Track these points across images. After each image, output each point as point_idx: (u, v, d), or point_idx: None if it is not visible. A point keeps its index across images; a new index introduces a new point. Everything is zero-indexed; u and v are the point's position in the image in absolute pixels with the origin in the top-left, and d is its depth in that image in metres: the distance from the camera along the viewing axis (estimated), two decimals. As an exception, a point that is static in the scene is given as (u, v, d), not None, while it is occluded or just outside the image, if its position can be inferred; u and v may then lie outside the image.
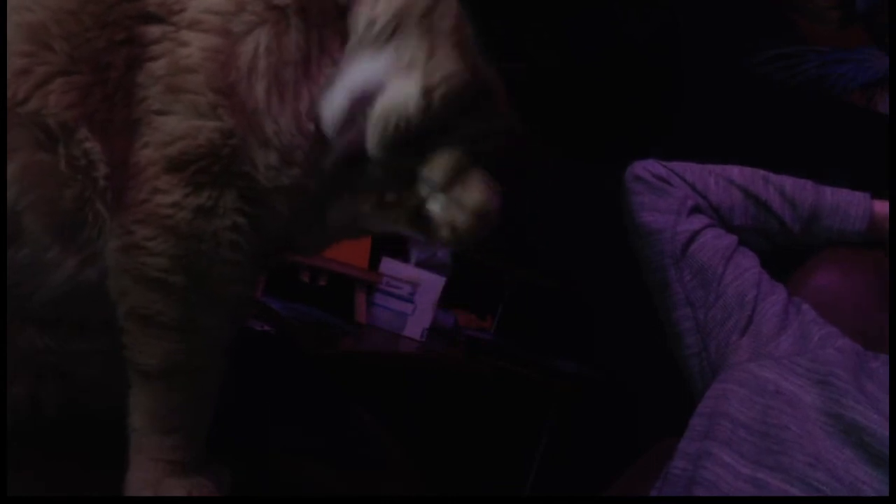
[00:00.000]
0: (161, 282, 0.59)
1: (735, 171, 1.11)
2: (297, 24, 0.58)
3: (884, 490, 0.82)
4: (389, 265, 1.61)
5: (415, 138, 0.59)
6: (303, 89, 0.59)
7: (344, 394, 1.01)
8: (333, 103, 0.59)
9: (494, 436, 1.73)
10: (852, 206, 1.08)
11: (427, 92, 0.58)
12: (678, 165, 1.12)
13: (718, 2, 1.75)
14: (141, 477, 0.62)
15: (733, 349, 1.01)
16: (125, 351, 0.62)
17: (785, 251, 1.14)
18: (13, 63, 0.55)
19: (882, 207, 1.09)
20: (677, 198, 1.10)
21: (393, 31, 0.59)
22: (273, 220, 0.62)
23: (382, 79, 0.59)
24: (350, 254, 1.54)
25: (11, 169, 0.57)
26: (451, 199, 0.61)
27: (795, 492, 0.84)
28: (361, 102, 0.58)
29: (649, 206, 1.11)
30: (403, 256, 1.64)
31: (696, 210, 1.09)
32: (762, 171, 1.12)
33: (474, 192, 0.61)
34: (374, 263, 1.60)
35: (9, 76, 0.55)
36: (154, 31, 0.57)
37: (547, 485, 1.83)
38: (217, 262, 0.60)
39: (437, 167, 0.61)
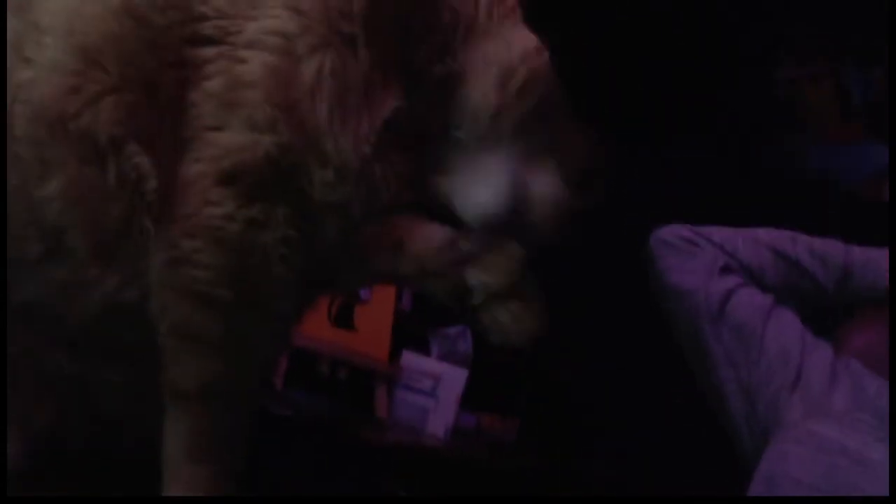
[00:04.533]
0: (206, 296, 0.58)
1: (761, 232, 1.12)
2: (364, 56, 0.60)
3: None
4: (410, 358, 1.57)
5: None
6: (363, 116, 0.60)
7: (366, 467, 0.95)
8: (489, 202, 0.65)
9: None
10: (882, 261, 1.07)
11: (564, 173, 0.66)
12: (704, 228, 1.13)
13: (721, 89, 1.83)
14: (176, 509, 0.57)
15: (785, 408, 0.97)
16: (162, 373, 0.59)
17: (820, 313, 1.12)
18: (64, 82, 0.57)
19: (912, 262, 1.08)
20: (707, 258, 1.09)
21: (521, 124, 0.64)
22: (322, 236, 0.61)
23: (523, 172, 0.65)
24: (370, 345, 1.52)
25: (55, 185, 0.57)
26: (509, 313, 0.64)
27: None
28: (515, 199, 0.65)
29: (678, 268, 1.10)
30: (424, 349, 1.61)
31: (726, 270, 1.08)
32: (788, 231, 1.12)
33: (530, 319, 0.64)
34: (394, 354, 1.56)
35: (59, 94, 0.57)
36: (208, 52, 0.59)
37: None
38: (265, 276, 0.59)
39: (498, 271, 0.63)
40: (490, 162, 0.65)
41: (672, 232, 1.15)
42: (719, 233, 1.14)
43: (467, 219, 0.65)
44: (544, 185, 0.66)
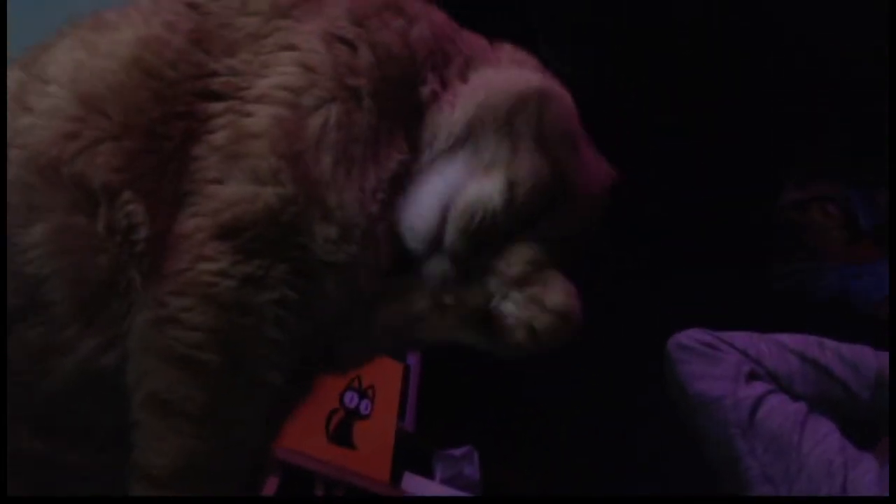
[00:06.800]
0: (192, 360, 0.52)
1: (785, 337, 1.06)
2: (370, 105, 0.58)
3: None
4: (412, 481, 1.45)
5: (497, 233, 0.58)
6: (369, 169, 0.57)
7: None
8: (424, 216, 0.58)
9: None
10: (921, 366, 1.01)
11: (511, 186, 0.58)
12: (724, 333, 1.07)
13: (728, 219, 1.83)
14: None
15: (832, 526, 0.87)
16: (133, 453, 0.52)
17: (855, 425, 1.04)
18: (62, 127, 0.55)
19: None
20: (731, 363, 1.03)
21: (468, 135, 0.61)
22: (322, 300, 0.56)
23: (464, 179, 0.59)
24: (370, 465, 1.41)
25: (39, 232, 0.53)
26: (530, 296, 0.57)
27: None
28: (447, 206, 0.59)
29: (702, 375, 1.03)
30: (427, 471, 1.49)
31: (753, 376, 1.02)
32: (813, 337, 1.06)
33: (556, 292, 0.58)
34: (395, 477, 1.45)
35: (56, 139, 0.54)
36: (216, 107, 0.57)
37: None
38: (257, 340, 0.53)
39: (514, 260, 0.58)
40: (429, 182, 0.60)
41: (691, 337, 1.10)
42: (741, 338, 1.08)
43: (407, 244, 0.59)
44: (479, 189, 0.59)
